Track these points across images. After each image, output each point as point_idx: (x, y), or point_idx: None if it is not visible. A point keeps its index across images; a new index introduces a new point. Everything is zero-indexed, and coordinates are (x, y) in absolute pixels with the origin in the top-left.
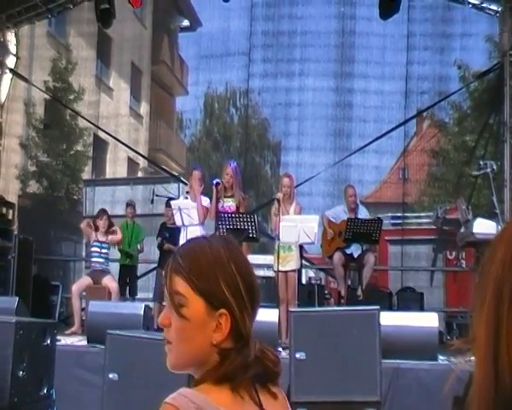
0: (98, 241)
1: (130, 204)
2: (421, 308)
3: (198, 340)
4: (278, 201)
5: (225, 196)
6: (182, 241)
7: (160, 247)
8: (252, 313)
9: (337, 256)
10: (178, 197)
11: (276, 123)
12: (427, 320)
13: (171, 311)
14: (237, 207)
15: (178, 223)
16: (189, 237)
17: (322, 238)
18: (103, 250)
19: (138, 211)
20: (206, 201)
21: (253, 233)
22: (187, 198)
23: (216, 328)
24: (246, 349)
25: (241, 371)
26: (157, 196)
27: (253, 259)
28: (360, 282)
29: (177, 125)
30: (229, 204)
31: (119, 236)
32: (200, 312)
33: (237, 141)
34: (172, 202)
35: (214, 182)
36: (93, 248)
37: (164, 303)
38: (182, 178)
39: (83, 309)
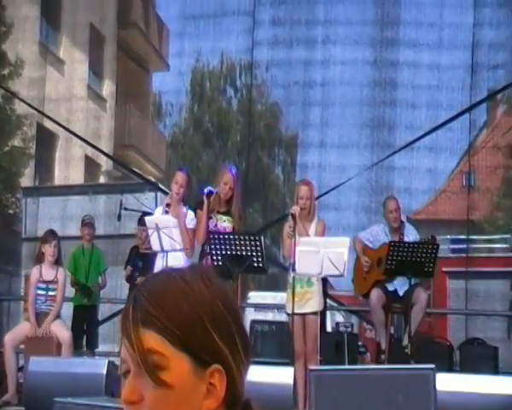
0: (43, 281)
1: (87, 222)
2: (495, 369)
3: None
4: (294, 217)
5: (219, 213)
6: None
7: (130, 280)
8: (247, 367)
9: (375, 294)
10: (155, 212)
11: (291, 110)
12: (503, 386)
13: (141, 380)
14: (234, 229)
15: (155, 247)
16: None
17: (355, 269)
18: (50, 293)
19: (99, 231)
20: (190, 217)
21: (258, 261)
22: (167, 213)
23: (207, 392)
24: None
25: None
26: (126, 209)
27: (259, 297)
28: (407, 330)
29: (154, 112)
30: (224, 224)
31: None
32: (185, 373)
33: (236, 134)
34: (147, 219)
35: (205, 191)
36: (38, 291)
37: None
38: (160, 185)
39: (20, 369)
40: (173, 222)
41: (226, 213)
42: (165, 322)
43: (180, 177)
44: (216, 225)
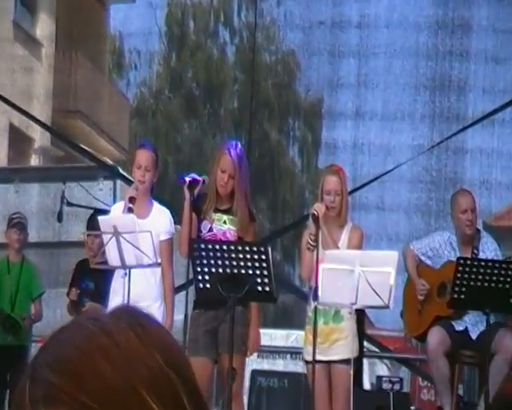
0: None
1: (16, 222)
2: None
3: None
4: (316, 220)
5: (218, 210)
6: (117, 298)
7: (76, 309)
8: None
9: (436, 336)
10: (113, 209)
11: (313, 62)
12: None
13: None
14: (239, 233)
15: (113, 262)
16: (136, 292)
17: (406, 298)
18: None
19: (32, 236)
20: (164, 220)
21: (263, 284)
22: (131, 210)
23: None
24: None
25: None
26: (70, 205)
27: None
28: (484, 391)
29: (113, 64)
30: (223, 227)
31: None
32: None
33: (233, 98)
34: (102, 220)
35: (186, 179)
36: None
37: None
38: (121, 171)
39: None
40: (140, 224)
41: (227, 211)
42: (78, 397)
43: (143, 156)
44: (211, 228)
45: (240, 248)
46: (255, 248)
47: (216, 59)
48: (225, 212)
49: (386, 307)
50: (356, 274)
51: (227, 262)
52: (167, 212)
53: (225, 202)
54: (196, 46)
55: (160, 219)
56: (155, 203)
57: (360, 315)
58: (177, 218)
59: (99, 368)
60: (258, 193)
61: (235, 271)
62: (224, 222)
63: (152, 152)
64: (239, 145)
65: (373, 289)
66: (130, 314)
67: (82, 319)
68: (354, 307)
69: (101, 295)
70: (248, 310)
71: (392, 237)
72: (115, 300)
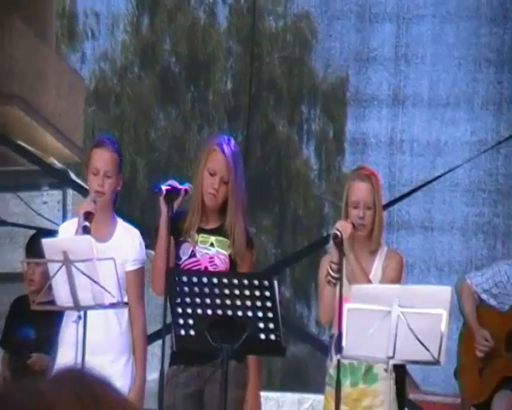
0: None
1: None
2: None
3: None
4: (339, 242)
5: (202, 230)
6: (68, 352)
7: (12, 366)
8: None
9: (504, 404)
10: (62, 228)
11: (335, 28)
12: None
13: None
14: (232, 260)
15: (63, 300)
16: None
17: (461, 352)
18: None
19: None
20: (130, 237)
21: (268, 330)
22: (87, 230)
23: None
24: None
25: None
26: (3, 223)
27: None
28: None
29: (62, 31)
30: (210, 252)
31: None
32: None
33: (226, 77)
34: (47, 243)
35: (162, 188)
36: None
37: None
38: (73, 176)
39: None
40: (99, 248)
41: (216, 231)
42: None
43: (101, 157)
44: (194, 253)
45: (236, 281)
46: (257, 282)
47: (203, 25)
48: (213, 232)
49: (436, 362)
50: (394, 317)
51: (218, 301)
52: (136, 232)
53: (213, 218)
54: (176, 7)
55: (126, 243)
56: (120, 221)
57: (400, 374)
58: (149, 240)
59: None
60: (259, 207)
61: (230, 312)
62: (212, 245)
63: (113, 152)
64: (232, 141)
65: (417, 339)
66: (79, 379)
67: (14, 387)
68: (392, 362)
69: (46, 347)
70: (245, 366)
71: (443, 266)
72: (65, 354)
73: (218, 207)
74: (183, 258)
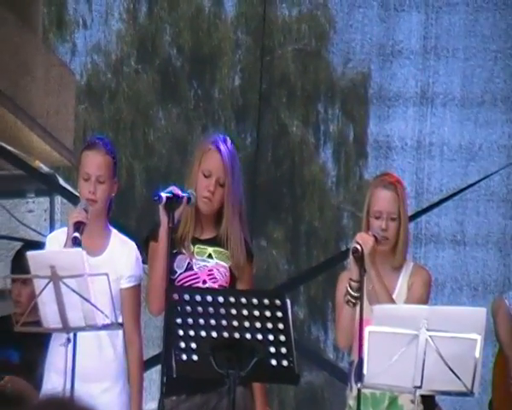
0: None
1: None
2: None
3: None
4: (360, 258)
5: (197, 240)
6: (56, 377)
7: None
8: None
9: None
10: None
11: (356, 18)
12: None
13: None
14: (232, 272)
15: (50, 321)
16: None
17: (497, 381)
18: None
19: None
20: (126, 250)
21: (280, 356)
22: (77, 242)
23: None
24: None
25: None
26: None
27: None
28: None
29: (50, 20)
30: (208, 264)
31: None
32: None
33: (234, 72)
34: (33, 256)
35: (162, 195)
36: None
37: None
38: (62, 182)
39: None
40: (92, 262)
41: (213, 241)
42: None
43: (93, 161)
44: (190, 266)
45: (244, 300)
46: (267, 301)
47: (207, 13)
48: (209, 242)
49: (469, 393)
50: (421, 342)
51: (224, 322)
52: (133, 245)
53: (208, 226)
54: None
55: (121, 257)
56: (115, 232)
57: (429, 406)
58: (146, 254)
59: None
60: (270, 218)
61: (237, 335)
62: (210, 256)
63: (107, 154)
64: (229, 140)
65: (447, 366)
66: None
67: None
68: (419, 392)
69: (31, 371)
70: (251, 391)
71: (477, 285)
72: (52, 381)
73: (214, 213)
74: (179, 271)
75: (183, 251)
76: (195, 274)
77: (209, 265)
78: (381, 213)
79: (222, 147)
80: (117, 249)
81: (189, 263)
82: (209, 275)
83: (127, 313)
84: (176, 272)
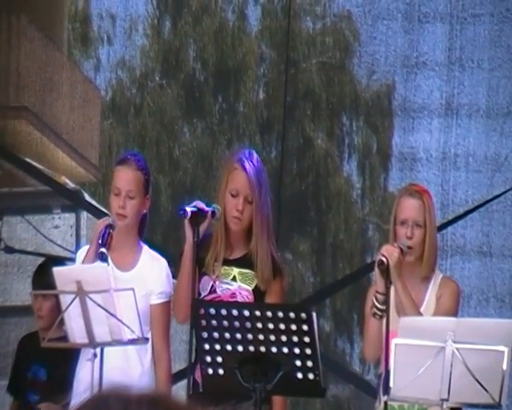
0: None
1: None
2: None
3: None
4: (386, 270)
5: (225, 261)
6: (84, 393)
7: None
8: None
9: None
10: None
11: (380, 30)
12: None
13: None
14: (256, 294)
15: (77, 337)
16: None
17: None
18: None
19: None
20: (156, 266)
21: (306, 369)
22: (103, 257)
23: None
24: None
25: None
26: (9, 250)
27: None
28: None
29: (75, 36)
30: (231, 287)
31: None
32: None
33: (258, 86)
34: (58, 271)
35: (187, 210)
36: None
37: None
38: (88, 198)
39: None
40: (120, 277)
41: (239, 262)
42: None
43: (123, 176)
44: (214, 288)
45: (269, 313)
46: (293, 315)
47: (232, 27)
48: (236, 263)
49: (497, 405)
50: (448, 354)
51: (250, 336)
52: (164, 263)
53: (238, 246)
54: (202, 8)
55: (152, 273)
56: (146, 248)
57: None
58: (173, 268)
59: None
60: (296, 231)
61: (263, 348)
62: (234, 279)
63: (138, 170)
64: (255, 155)
65: (475, 378)
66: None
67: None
68: (446, 405)
69: (58, 388)
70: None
71: (504, 296)
72: (80, 395)
73: (244, 231)
74: (203, 294)
75: (209, 273)
76: (218, 297)
77: (231, 288)
78: (406, 220)
79: (247, 165)
80: (147, 265)
81: (212, 286)
82: (231, 298)
83: (156, 329)
84: (200, 294)
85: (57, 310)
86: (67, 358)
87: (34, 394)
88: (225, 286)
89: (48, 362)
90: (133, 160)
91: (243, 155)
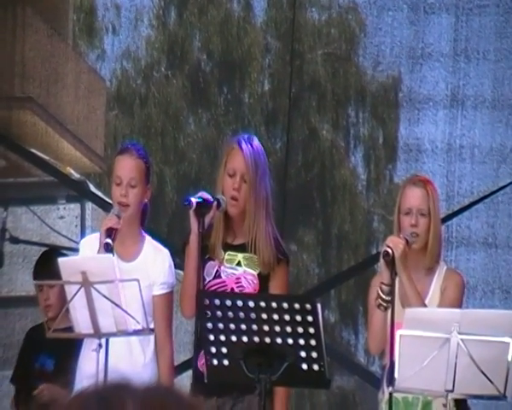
0: None
1: None
2: None
3: None
4: (391, 261)
5: (229, 246)
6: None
7: (18, 397)
8: None
9: None
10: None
11: (386, 21)
12: None
13: None
14: (261, 279)
15: (82, 327)
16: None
17: None
18: None
19: None
20: (159, 256)
21: (311, 360)
22: (108, 248)
23: None
24: None
25: None
26: (14, 240)
27: None
28: None
29: (80, 26)
30: (236, 271)
31: None
32: None
33: (263, 77)
34: (64, 263)
35: (192, 200)
36: None
37: None
38: (92, 189)
39: None
40: (124, 268)
41: (243, 247)
42: None
43: (125, 165)
44: (218, 273)
45: (274, 304)
46: (298, 305)
47: (237, 18)
48: (240, 248)
49: (502, 396)
50: (453, 345)
51: (255, 326)
52: (166, 253)
53: (241, 231)
54: None
55: (154, 263)
56: (148, 238)
57: (462, 409)
58: (178, 259)
59: None
60: (301, 222)
61: (268, 339)
62: (239, 264)
63: (138, 158)
64: (255, 139)
65: (480, 370)
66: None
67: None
68: (451, 396)
69: (65, 377)
70: (270, 401)
71: (509, 287)
72: (84, 386)
73: (242, 213)
74: (208, 279)
75: (213, 258)
76: (223, 282)
77: (237, 273)
78: (410, 209)
79: (244, 145)
80: (150, 256)
81: (217, 271)
82: (236, 283)
83: (159, 319)
84: (205, 279)
85: (64, 298)
86: (75, 348)
87: (41, 384)
88: (230, 271)
89: (56, 353)
90: (133, 149)
91: (242, 137)
